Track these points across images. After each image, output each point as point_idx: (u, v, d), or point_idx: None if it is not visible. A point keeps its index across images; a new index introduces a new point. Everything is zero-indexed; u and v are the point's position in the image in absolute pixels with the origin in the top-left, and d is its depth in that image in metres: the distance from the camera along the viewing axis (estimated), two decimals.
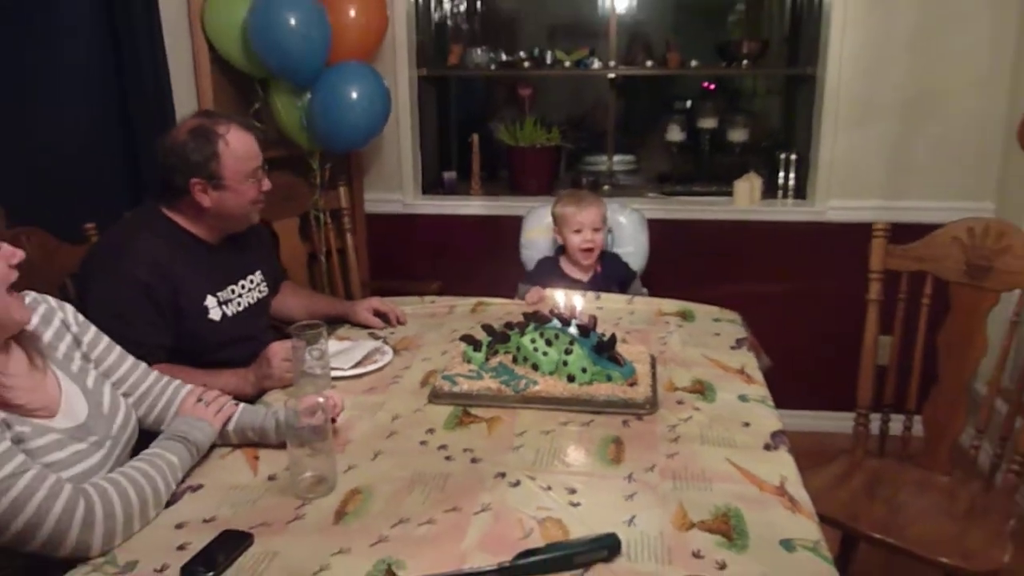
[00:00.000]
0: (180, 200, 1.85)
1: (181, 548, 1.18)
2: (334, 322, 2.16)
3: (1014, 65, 2.89)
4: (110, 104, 2.21)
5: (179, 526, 1.24)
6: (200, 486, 1.36)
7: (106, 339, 1.51)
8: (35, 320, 1.39)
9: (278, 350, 1.75)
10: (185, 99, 2.59)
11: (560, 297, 1.90)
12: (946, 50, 2.92)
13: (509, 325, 1.85)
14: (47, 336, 1.40)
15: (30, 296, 1.42)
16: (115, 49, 2.21)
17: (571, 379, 1.67)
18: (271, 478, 1.39)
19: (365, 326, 2.16)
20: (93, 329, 1.49)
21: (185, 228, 1.88)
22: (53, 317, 1.43)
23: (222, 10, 2.64)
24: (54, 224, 1.94)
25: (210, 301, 1.89)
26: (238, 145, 1.83)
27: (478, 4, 3.69)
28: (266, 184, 1.92)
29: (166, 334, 1.80)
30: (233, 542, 1.18)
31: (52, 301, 1.45)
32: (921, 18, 2.91)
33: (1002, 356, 1.96)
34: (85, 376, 1.41)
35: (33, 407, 1.26)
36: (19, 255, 1.25)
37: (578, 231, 2.43)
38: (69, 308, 1.48)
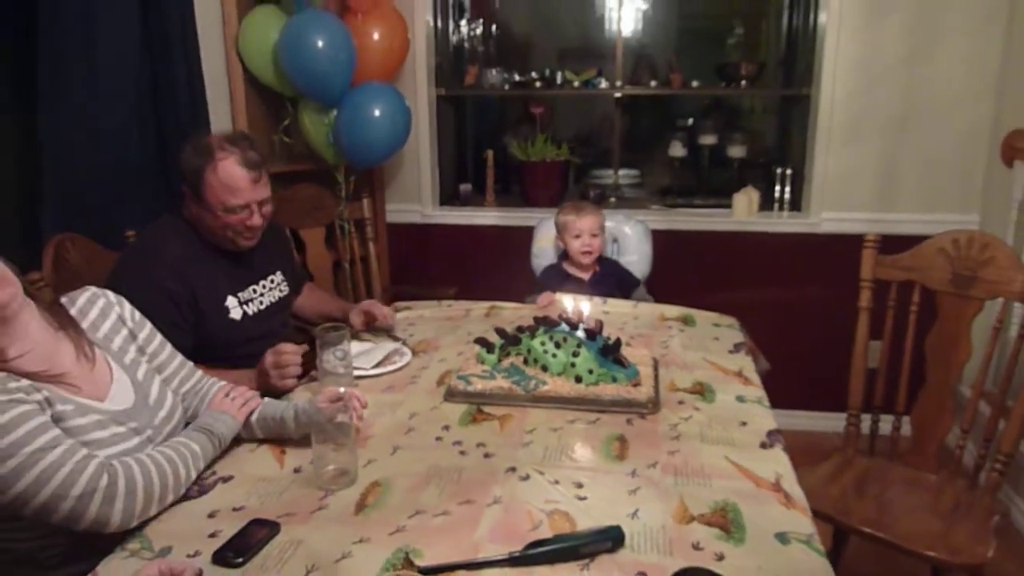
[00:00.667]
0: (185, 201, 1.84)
1: (212, 535, 1.18)
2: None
3: (997, 85, 2.87)
4: (148, 121, 2.22)
5: (211, 515, 1.24)
6: (231, 477, 1.36)
7: (160, 337, 1.52)
8: (94, 313, 1.42)
9: (269, 356, 1.71)
10: (220, 116, 2.60)
11: (568, 302, 1.90)
12: (933, 71, 2.91)
13: (520, 328, 1.84)
14: (104, 328, 1.42)
15: (91, 291, 1.46)
16: (153, 70, 2.22)
17: (578, 380, 1.67)
18: (296, 471, 1.39)
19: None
20: (148, 326, 1.51)
21: (203, 234, 1.86)
22: (111, 311, 1.45)
23: (255, 33, 2.66)
24: (98, 232, 1.96)
25: (231, 301, 1.88)
26: (226, 176, 1.76)
27: (493, 28, 3.69)
28: (254, 220, 1.83)
29: (188, 336, 1.77)
30: (261, 530, 1.18)
31: (111, 296, 1.48)
32: (909, 41, 2.90)
33: (985, 361, 1.94)
34: (137, 368, 1.42)
35: (83, 391, 1.27)
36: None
37: (578, 236, 2.50)
38: (127, 305, 1.50)
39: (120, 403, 1.33)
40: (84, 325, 1.38)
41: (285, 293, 2.08)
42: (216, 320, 1.85)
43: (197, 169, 1.77)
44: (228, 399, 1.50)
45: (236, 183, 1.77)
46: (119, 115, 2.10)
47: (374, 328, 2.14)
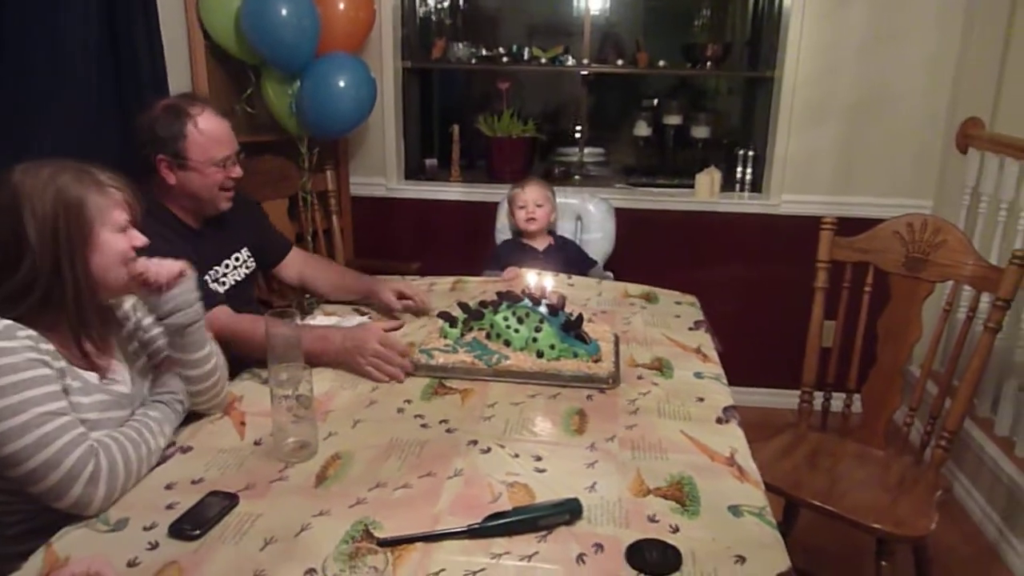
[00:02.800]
0: (152, 179, 1.77)
1: (169, 507, 1.17)
2: (359, 298, 2.09)
3: (955, 74, 2.92)
4: (107, 91, 2.14)
5: (168, 487, 1.23)
6: (190, 448, 1.35)
7: (158, 329, 1.50)
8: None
9: (373, 340, 1.65)
10: (181, 85, 2.53)
11: (532, 278, 1.90)
12: (894, 59, 2.94)
13: (483, 303, 1.84)
14: (117, 314, 1.43)
15: None
16: (112, 36, 2.14)
17: (540, 355, 1.67)
18: (257, 443, 1.38)
19: (386, 307, 2.02)
20: (150, 319, 1.50)
21: (174, 213, 1.82)
22: (123, 303, 1.45)
23: None
24: None
25: (207, 277, 1.84)
26: (208, 128, 1.75)
27: (461, 1, 3.65)
28: (236, 171, 1.83)
29: None
30: (219, 502, 1.17)
31: None
32: (872, 29, 2.93)
33: (934, 342, 1.99)
34: (136, 359, 1.42)
35: (90, 370, 1.28)
36: (142, 240, 1.32)
37: (522, 207, 2.60)
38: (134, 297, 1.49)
39: (121, 388, 1.33)
40: None
41: (252, 270, 2.04)
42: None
43: (177, 133, 1.73)
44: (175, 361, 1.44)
45: (219, 134, 1.78)
46: (74, 86, 2.03)
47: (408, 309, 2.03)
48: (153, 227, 1.72)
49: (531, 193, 2.58)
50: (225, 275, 1.91)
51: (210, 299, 1.67)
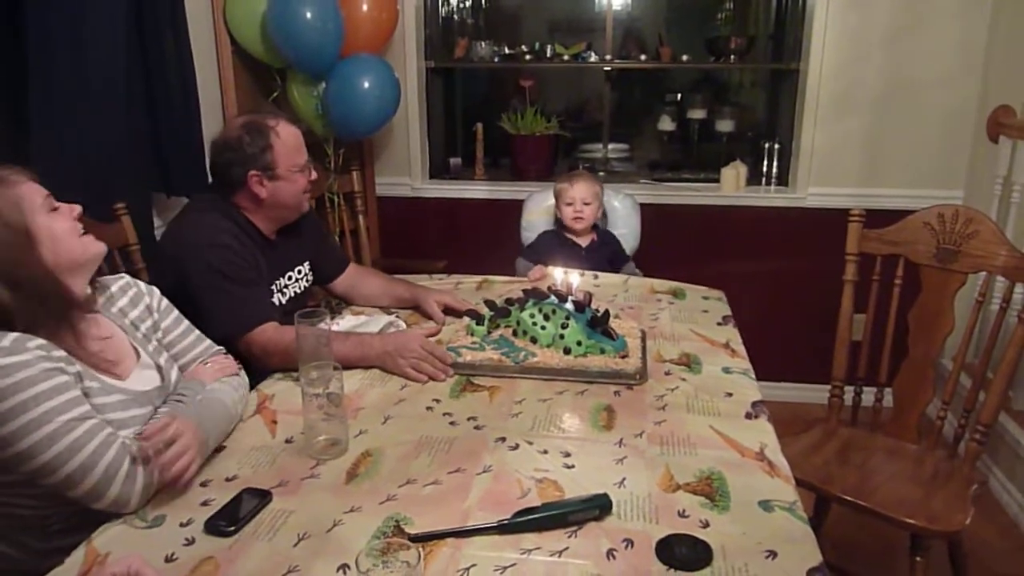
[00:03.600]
0: (238, 193, 1.81)
1: (204, 504, 1.19)
2: (407, 307, 2.08)
3: (984, 62, 2.87)
4: (137, 92, 2.18)
5: (204, 484, 1.25)
6: (223, 447, 1.36)
7: (184, 324, 1.54)
8: (124, 300, 1.45)
9: (416, 342, 1.68)
10: (208, 87, 2.57)
11: (559, 275, 1.90)
12: (920, 47, 2.90)
13: (510, 301, 1.85)
14: (132, 315, 1.45)
15: (124, 279, 1.49)
16: (141, 40, 2.18)
17: (567, 351, 1.67)
18: (288, 441, 1.39)
19: (426, 314, 2.01)
20: (173, 315, 1.53)
21: (254, 223, 1.84)
22: (140, 300, 1.48)
23: (243, 4, 2.62)
24: (86, 204, 1.92)
25: (273, 287, 1.88)
26: (288, 137, 1.81)
27: (483, 0, 3.65)
28: (313, 174, 1.89)
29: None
30: (253, 499, 1.19)
31: (142, 286, 1.50)
32: (897, 17, 2.89)
33: (967, 334, 1.95)
34: (159, 356, 1.44)
35: (106, 363, 1.28)
36: (77, 209, 1.31)
37: (570, 204, 2.55)
38: (156, 293, 1.52)
39: (142, 385, 1.34)
40: (113, 310, 1.40)
41: (309, 283, 2.06)
42: None
43: (264, 147, 1.77)
44: (204, 367, 1.50)
45: (297, 139, 1.85)
46: (109, 89, 2.06)
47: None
48: (232, 231, 1.76)
49: (580, 190, 2.53)
50: (287, 287, 1.95)
51: (262, 314, 1.71)
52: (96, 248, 1.32)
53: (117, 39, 2.07)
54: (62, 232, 1.26)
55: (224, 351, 1.58)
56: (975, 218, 1.90)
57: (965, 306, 2.01)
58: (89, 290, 1.35)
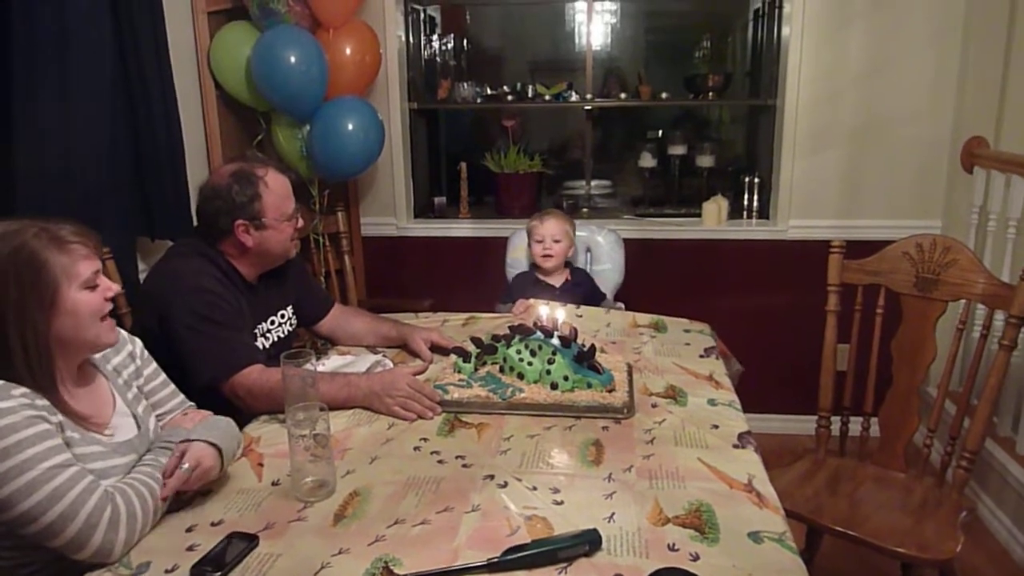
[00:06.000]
0: (224, 240, 1.81)
1: (190, 549, 1.17)
2: (393, 345, 2.08)
3: (957, 94, 2.93)
4: (122, 137, 2.19)
5: (189, 529, 1.23)
6: (209, 491, 1.35)
7: (163, 376, 1.54)
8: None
9: (404, 381, 1.68)
10: (193, 131, 2.59)
11: (544, 310, 1.91)
12: (893, 82, 2.97)
13: (496, 337, 1.85)
14: (115, 361, 1.45)
15: None
16: (127, 86, 2.20)
17: (554, 387, 1.68)
18: (275, 483, 1.38)
19: (413, 352, 2.01)
20: (153, 366, 1.53)
21: (237, 269, 1.84)
22: (123, 348, 1.48)
23: (227, 49, 2.66)
24: None
25: (256, 331, 1.88)
26: (277, 187, 1.81)
27: (465, 43, 3.71)
28: (300, 223, 1.89)
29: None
30: (239, 543, 1.17)
31: (125, 335, 1.50)
32: (870, 54, 2.96)
33: (950, 361, 1.97)
34: (138, 404, 1.43)
35: (86, 415, 1.28)
36: (114, 289, 1.32)
37: (540, 241, 2.55)
38: (139, 343, 1.52)
39: (122, 435, 1.33)
40: (96, 356, 1.39)
41: (294, 327, 2.06)
42: None
43: (253, 196, 1.77)
44: (184, 417, 1.50)
45: (286, 189, 1.85)
46: (91, 133, 2.07)
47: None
48: (216, 276, 1.76)
49: (549, 228, 2.53)
50: (270, 331, 1.94)
51: (247, 357, 1.70)
52: (108, 339, 1.33)
53: (102, 84, 2.09)
54: (86, 312, 1.26)
55: (195, 407, 1.56)
56: (953, 247, 1.93)
57: (947, 334, 2.04)
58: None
